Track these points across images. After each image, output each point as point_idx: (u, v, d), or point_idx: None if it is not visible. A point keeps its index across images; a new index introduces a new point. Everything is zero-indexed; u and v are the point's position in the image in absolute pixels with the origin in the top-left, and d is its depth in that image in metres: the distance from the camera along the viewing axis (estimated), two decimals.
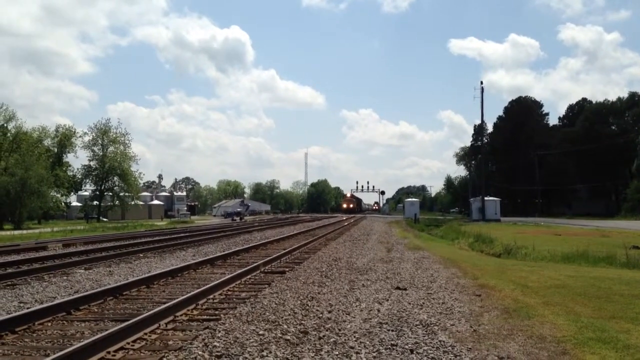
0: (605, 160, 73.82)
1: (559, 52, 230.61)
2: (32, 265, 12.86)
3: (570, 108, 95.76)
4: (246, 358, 5.18)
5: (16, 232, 32.36)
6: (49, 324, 6.73)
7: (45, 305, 7.32)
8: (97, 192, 61.93)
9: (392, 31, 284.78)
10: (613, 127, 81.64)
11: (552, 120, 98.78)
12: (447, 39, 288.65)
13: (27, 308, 7.57)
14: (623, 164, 76.89)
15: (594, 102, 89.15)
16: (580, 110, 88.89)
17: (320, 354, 5.38)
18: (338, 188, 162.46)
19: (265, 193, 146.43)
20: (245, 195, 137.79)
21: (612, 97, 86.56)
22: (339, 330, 6.40)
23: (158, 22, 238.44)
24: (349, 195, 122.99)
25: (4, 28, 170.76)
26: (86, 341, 5.16)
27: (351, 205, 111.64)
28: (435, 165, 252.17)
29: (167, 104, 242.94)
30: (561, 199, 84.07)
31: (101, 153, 61.48)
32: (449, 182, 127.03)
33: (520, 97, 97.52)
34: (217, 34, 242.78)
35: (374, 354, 5.42)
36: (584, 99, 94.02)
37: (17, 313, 6.78)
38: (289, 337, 5.98)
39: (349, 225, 37.92)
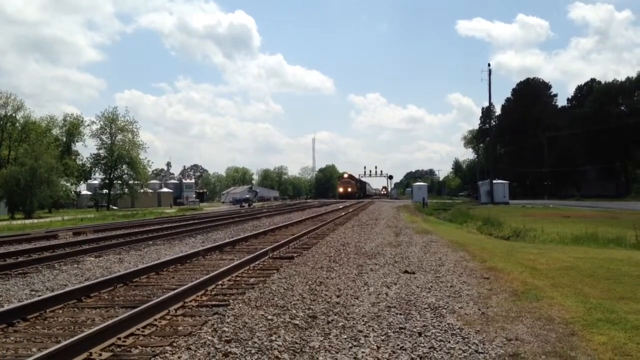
0: (614, 141, 73.20)
1: (569, 32, 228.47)
2: (43, 254, 12.96)
3: (579, 89, 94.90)
4: (255, 343, 5.21)
5: (27, 221, 32.64)
6: (60, 311, 6.79)
7: (56, 292, 7.39)
8: (107, 181, 62.31)
9: (399, 14, 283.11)
10: (622, 108, 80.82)
11: (561, 102, 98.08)
12: (454, 20, 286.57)
13: (39, 296, 7.64)
14: (633, 145, 76.21)
15: (604, 82, 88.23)
16: (590, 91, 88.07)
17: (329, 338, 5.41)
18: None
19: (273, 179, 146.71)
20: (254, 182, 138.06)
21: (625, 77, 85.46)
22: (348, 314, 6.43)
23: (163, 8, 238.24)
24: (346, 175, 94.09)
25: (10, 16, 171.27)
26: (97, 327, 5.21)
27: (349, 189, 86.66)
28: (444, 148, 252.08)
29: (174, 91, 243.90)
30: (570, 181, 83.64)
31: (110, 141, 61.77)
32: (457, 165, 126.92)
33: (528, 79, 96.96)
34: (222, 19, 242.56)
35: (383, 338, 5.44)
36: (593, 80, 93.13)
37: (29, 301, 6.84)
38: (297, 322, 6.02)
39: (357, 210, 37.94)
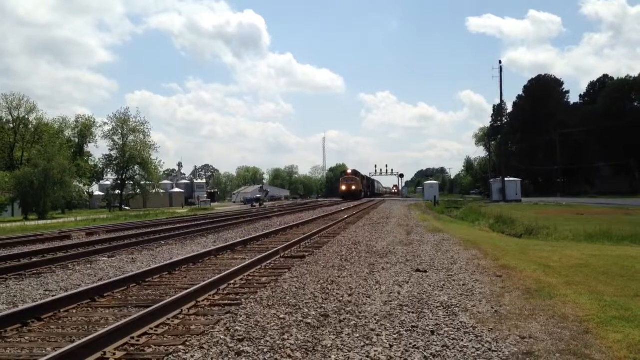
0: (628, 137, 72.41)
1: (582, 28, 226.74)
2: (57, 254, 13.06)
3: (592, 85, 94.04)
4: (268, 341, 5.22)
5: (40, 222, 32.91)
6: (74, 311, 6.84)
7: (70, 292, 7.46)
8: (119, 181, 62.78)
9: (408, 11, 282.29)
10: (636, 104, 79.99)
11: (574, 98, 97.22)
12: (464, 17, 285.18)
13: (53, 296, 7.70)
14: None
15: (617, 77, 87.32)
16: (602, 87, 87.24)
17: (341, 337, 5.40)
18: None
19: (284, 179, 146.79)
20: (264, 182, 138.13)
21: (638, 72, 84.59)
22: (360, 313, 6.42)
23: (173, 8, 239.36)
24: (349, 171, 77.44)
25: (21, 18, 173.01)
26: (110, 327, 5.25)
27: (353, 187, 71.75)
28: (455, 146, 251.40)
29: (185, 91, 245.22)
30: (583, 178, 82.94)
31: (121, 142, 62.17)
32: (468, 163, 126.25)
33: (540, 76, 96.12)
34: (231, 18, 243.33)
35: (395, 336, 5.43)
36: (606, 76, 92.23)
37: (43, 301, 6.90)
38: (309, 321, 6.02)
39: (368, 210, 37.87)
